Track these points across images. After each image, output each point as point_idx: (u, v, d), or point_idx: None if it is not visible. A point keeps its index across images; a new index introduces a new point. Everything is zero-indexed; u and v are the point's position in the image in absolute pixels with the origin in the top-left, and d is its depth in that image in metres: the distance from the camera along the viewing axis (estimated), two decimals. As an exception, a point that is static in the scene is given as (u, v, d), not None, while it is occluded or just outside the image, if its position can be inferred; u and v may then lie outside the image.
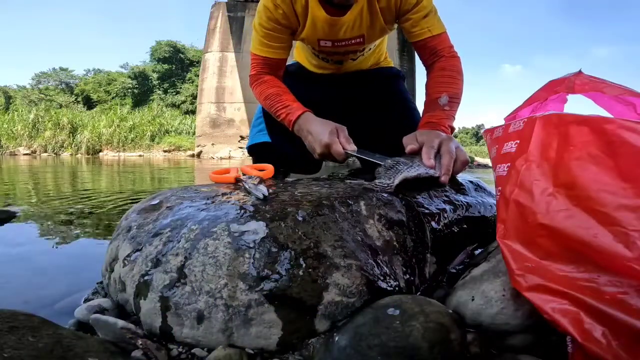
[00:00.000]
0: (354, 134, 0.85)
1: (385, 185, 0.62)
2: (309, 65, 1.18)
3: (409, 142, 0.76)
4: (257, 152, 1.15)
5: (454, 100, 0.90)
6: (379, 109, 1.15)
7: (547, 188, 0.44)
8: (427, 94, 0.93)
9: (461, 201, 0.71)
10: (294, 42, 1.07)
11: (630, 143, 0.41)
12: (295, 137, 1.03)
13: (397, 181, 0.63)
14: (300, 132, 0.91)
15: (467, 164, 0.76)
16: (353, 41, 0.98)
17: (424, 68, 1.00)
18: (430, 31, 0.93)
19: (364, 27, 0.95)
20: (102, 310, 0.55)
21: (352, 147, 0.82)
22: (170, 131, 15.57)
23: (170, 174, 4.41)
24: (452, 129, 0.90)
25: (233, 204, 0.59)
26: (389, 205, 0.62)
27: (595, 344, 0.34)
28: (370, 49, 1.09)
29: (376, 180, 0.64)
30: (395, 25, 1.00)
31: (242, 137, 10.24)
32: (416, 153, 0.74)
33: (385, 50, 1.22)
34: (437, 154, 0.72)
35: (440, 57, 0.94)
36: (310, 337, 0.46)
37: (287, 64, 1.12)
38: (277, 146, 1.08)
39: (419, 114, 1.17)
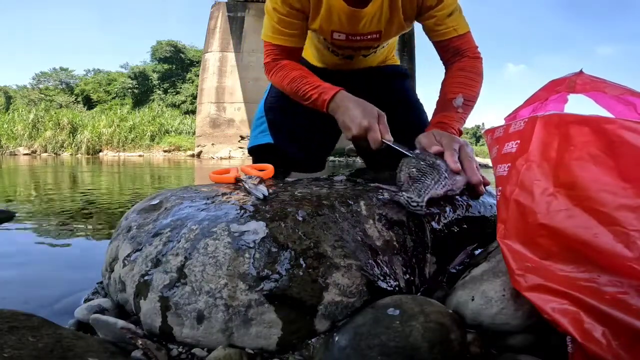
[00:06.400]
0: None
1: (415, 204, 0.61)
2: (313, 60, 1.14)
3: (431, 143, 0.74)
4: (258, 153, 1.14)
5: (469, 103, 0.88)
6: (384, 108, 1.14)
7: (547, 188, 0.44)
8: (442, 92, 0.91)
9: (461, 201, 0.71)
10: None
11: (631, 143, 0.41)
12: (300, 136, 1.01)
13: (426, 199, 0.63)
14: (336, 111, 0.87)
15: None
16: (369, 37, 0.95)
17: (443, 67, 0.96)
18: (456, 30, 0.90)
19: (383, 23, 0.92)
20: (102, 310, 0.55)
21: (389, 137, 0.80)
22: (170, 131, 15.57)
23: (171, 174, 4.41)
24: (460, 132, 0.88)
25: (233, 204, 0.59)
26: (389, 205, 0.62)
27: (595, 344, 0.34)
28: (384, 47, 1.06)
29: (405, 195, 0.63)
30: (413, 24, 0.97)
31: (242, 137, 10.23)
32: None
33: (395, 47, 1.19)
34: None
35: (462, 57, 0.91)
36: (310, 337, 0.46)
37: None
38: (280, 146, 1.07)
39: (424, 113, 1.15)
